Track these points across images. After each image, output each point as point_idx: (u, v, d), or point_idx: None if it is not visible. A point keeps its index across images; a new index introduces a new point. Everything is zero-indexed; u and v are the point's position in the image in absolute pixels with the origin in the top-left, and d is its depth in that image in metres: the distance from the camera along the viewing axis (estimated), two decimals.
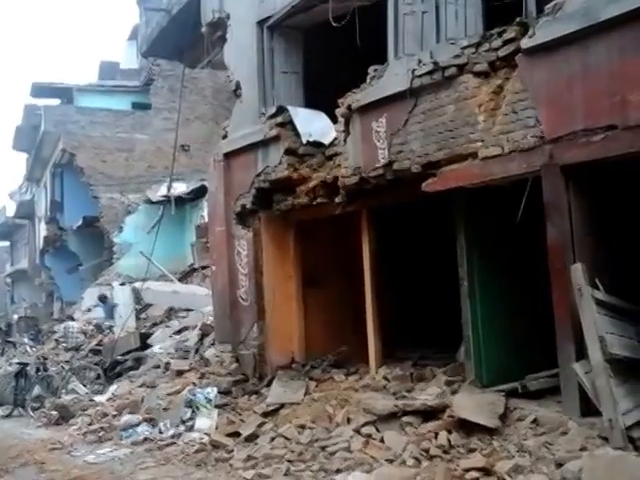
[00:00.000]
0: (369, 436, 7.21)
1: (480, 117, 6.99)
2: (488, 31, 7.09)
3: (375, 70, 8.35)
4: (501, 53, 6.85)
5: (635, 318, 6.44)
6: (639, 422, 5.77)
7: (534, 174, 6.55)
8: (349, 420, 7.77)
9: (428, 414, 7.10)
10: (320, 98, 9.61)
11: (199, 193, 21.06)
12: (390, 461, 6.57)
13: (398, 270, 10.04)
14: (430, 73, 7.47)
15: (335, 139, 9.13)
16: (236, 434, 8.44)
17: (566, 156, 6.26)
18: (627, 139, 5.77)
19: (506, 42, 6.80)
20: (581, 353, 6.12)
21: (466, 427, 6.61)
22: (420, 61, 7.60)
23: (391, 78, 8.03)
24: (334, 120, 9.15)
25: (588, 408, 6.11)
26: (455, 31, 7.48)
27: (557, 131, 6.31)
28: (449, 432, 6.63)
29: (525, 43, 6.57)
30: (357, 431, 7.38)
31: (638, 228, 6.72)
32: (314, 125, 9.60)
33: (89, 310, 18.92)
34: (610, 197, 6.62)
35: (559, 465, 5.50)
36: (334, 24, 8.92)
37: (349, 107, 8.57)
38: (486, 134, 6.93)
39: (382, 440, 7.08)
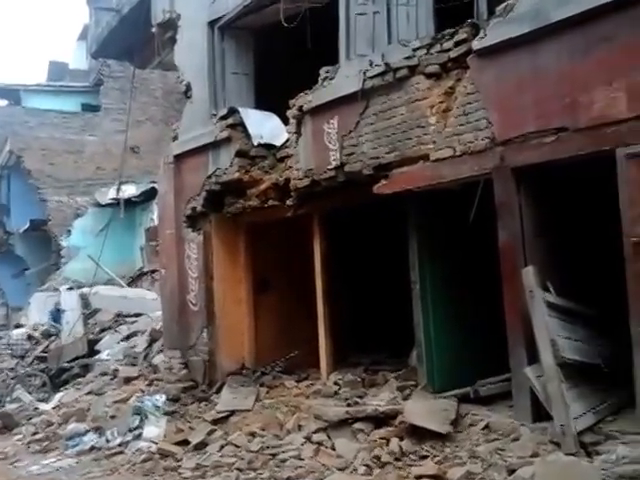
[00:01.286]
0: (320, 443, 7.12)
1: (431, 119, 6.93)
2: (440, 32, 7.05)
3: (327, 71, 8.25)
4: (452, 54, 6.79)
5: (585, 321, 6.44)
6: (590, 427, 5.75)
7: (485, 176, 6.50)
8: (300, 427, 7.68)
9: (380, 420, 7.03)
10: (271, 99, 9.48)
11: (149, 196, 20.68)
12: (341, 469, 6.48)
13: (350, 274, 9.94)
14: (381, 74, 7.39)
15: (286, 141, 9.01)
16: (185, 442, 8.25)
17: (517, 158, 6.23)
18: (577, 141, 5.76)
19: (457, 43, 6.75)
20: (533, 357, 6.08)
21: (418, 433, 6.52)
22: (371, 62, 7.51)
23: (342, 79, 7.95)
24: (285, 122, 9.03)
25: (539, 413, 6.08)
26: (407, 32, 7.41)
27: (508, 133, 6.28)
28: (401, 439, 6.56)
29: (476, 44, 6.52)
30: (308, 438, 7.29)
31: (588, 229, 6.74)
32: (265, 127, 9.47)
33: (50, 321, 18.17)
34: (560, 199, 6.62)
35: (511, 471, 5.45)
36: (285, 25, 8.81)
37: (300, 108, 8.47)
38: (437, 136, 6.87)
39: (333, 447, 7.00)
